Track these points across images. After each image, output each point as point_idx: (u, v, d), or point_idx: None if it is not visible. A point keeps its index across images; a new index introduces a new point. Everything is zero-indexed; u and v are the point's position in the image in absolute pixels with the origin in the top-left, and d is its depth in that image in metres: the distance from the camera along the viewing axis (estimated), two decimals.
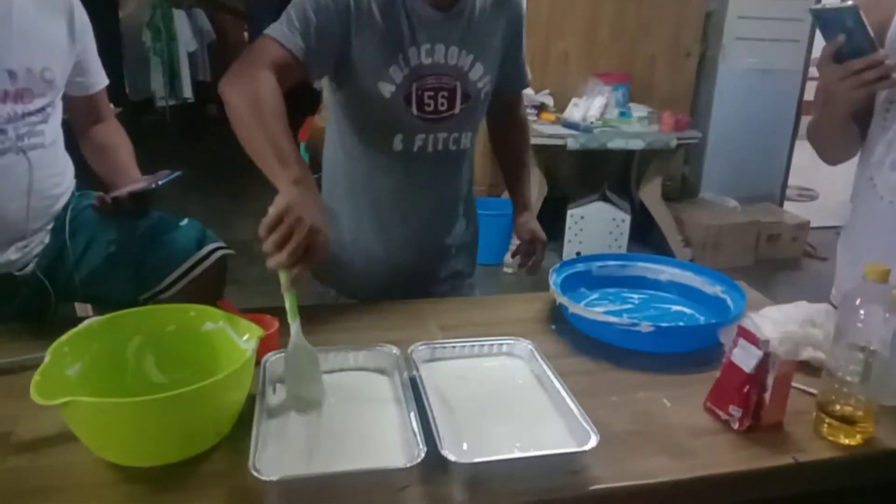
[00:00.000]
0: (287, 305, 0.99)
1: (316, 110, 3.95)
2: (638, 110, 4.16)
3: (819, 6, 1.12)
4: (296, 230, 0.95)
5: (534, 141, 3.79)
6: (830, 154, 1.36)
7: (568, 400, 0.97)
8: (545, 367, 1.06)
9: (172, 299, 1.35)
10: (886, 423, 0.99)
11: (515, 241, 1.66)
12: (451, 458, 0.83)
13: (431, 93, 1.34)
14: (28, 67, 1.25)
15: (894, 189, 1.22)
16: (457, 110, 1.38)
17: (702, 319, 1.32)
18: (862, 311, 0.93)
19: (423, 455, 0.84)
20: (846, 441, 0.96)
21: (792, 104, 4.62)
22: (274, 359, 1.05)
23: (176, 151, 5.75)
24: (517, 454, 0.89)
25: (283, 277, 0.97)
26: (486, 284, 3.99)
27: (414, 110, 1.34)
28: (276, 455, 0.87)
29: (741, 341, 0.98)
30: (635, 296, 1.41)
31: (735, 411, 0.98)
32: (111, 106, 1.59)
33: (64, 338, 0.95)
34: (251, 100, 1.12)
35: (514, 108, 1.64)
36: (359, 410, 0.98)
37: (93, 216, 1.40)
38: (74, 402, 0.81)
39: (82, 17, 1.39)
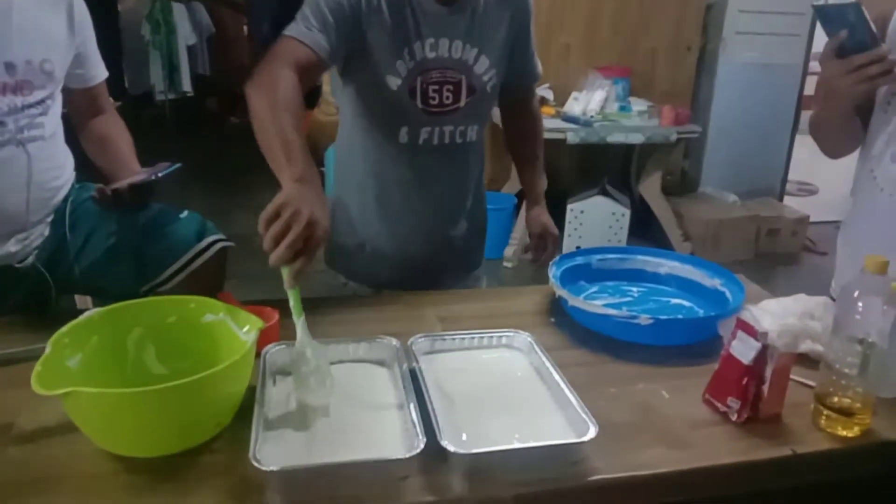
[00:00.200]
0: (291, 303, 0.98)
1: (315, 104, 3.95)
2: (638, 104, 4.15)
3: (821, 2, 1.12)
4: (294, 223, 0.95)
5: None
6: (832, 148, 1.36)
7: (567, 392, 0.97)
8: (544, 359, 1.07)
9: (173, 291, 1.35)
10: (884, 415, 1.00)
11: (515, 235, 1.68)
12: (451, 448, 0.84)
13: (436, 86, 1.36)
14: (28, 59, 1.25)
15: (895, 181, 1.22)
16: (462, 103, 1.39)
17: (701, 312, 1.32)
18: (860, 304, 0.94)
19: (422, 446, 0.84)
20: (844, 433, 0.97)
21: (792, 98, 4.61)
22: (274, 350, 1.05)
23: (175, 145, 5.75)
24: (516, 445, 0.89)
25: (286, 274, 0.96)
26: (486, 277, 3.99)
27: (419, 103, 1.35)
28: (277, 446, 0.87)
29: (740, 333, 0.99)
30: (634, 289, 1.42)
31: (733, 403, 0.98)
32: (111, 99, 1.59)
33: (65, 329, 0.95)
34: (270, 99, 1.14)
35: (526, 101, 1.65)
36: (359, 402, 0.99)
37: (93, 208, 1.40)
38: (75, 393, 0.81)
39: (81, 9, 1.38)
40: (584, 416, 0.91)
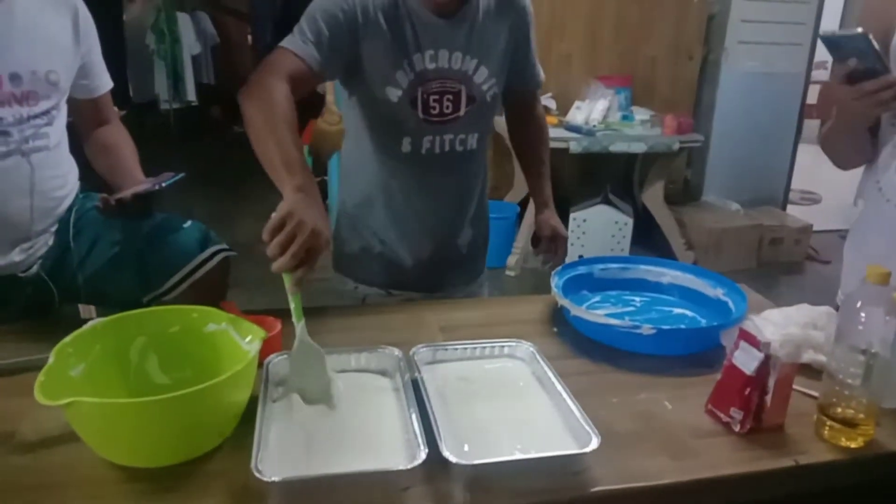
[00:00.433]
0: (292, 307, 1.01)
1: (319, 114, 3.96)
2: (640, 113, 4.16)
3: (829, 33, 1.13)
4: (298, 233, 0.98)
5: None
6: (845, 161, 1.39)
7: (569, 401, 0.97)
8: (546, 368, 1.07)
9: (176, 301, 1.36)
10: (888, 426, 1.00)
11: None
12: (453, 459, 0.84)
13: (437, 96, 1.37)
14: (33, 70, 1.26)
15: None
16: (462, 113, 1.41)
17: (703, 322, 1.32)
18: (863, 314, 0.94)
19: (424, 456, 0.84)
20: (847, 443, 0.96)
21: (795, 107, 4.62)
22: (277, 360, 1.05)
23: (179, 153, 5.77)
24: (518, 455, 0.89)
25: (288, 280, 0.99)
26: (488, 286, 3.98)
27: (420, 113, 1.37)
28: (279, 456, 0.87)
29: (742, 343, 0.99)
30: (637, 298, 1.42)
31: (736, 413, 0.98)
32: (115, 109, 1.60)
33: (68, 339, 0.95)
34: (265, 110, 1.17)
35: (530, 106, 1.66)
36: (360, 412, 0.99)
37: (97, 217, 1.40)
38: (77, 403, 0.81)
39: (86, 19, 1.39)
40: (586, 426, 0.90)
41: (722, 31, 4.41)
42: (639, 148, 3.84)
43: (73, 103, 1.42)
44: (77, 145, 1.48)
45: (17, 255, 1.31)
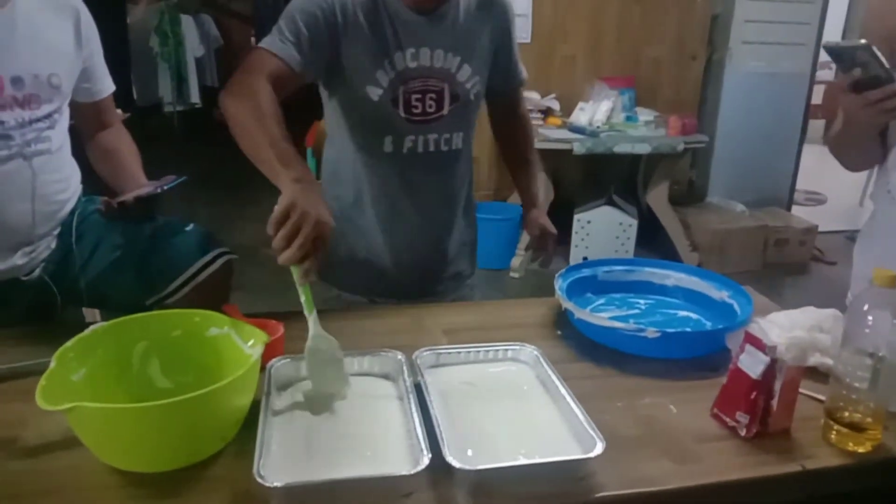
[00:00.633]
0: (302, 299, 1.01)
1: (322, 115, 3.96)
2: (644, 114, 4.15)
3: (833, 43, 1.14)
4: (303, 224, 0.97)
5: (540, 146, 3.78)
6: (853, 164, 1.40)
7: (573, 406, 0.96)
8: (551, 372, 1.06)
9: (178, 304, 1.35)
10: (895, 430, 0.99)
11: (522, 246, 1.67)
12: (456, 464, 0.83)
13: (419, 95, 1.36)
14: (35, 73, 1.26)
15: None
16: (445, 111, 1.40)
17: (708, 325, 1.31)
18: (870, 317, 0.93)
19: (427, 461, 0.83)
20: (855, 448, 0.96)
21: (799, 107, 4.60)
22: (279, 364, 1.05)
23: (183, 156, 5.78)
24: (522, 461, 0.88)
25: (296, 272, 0.99)
26: (491, 289, 3.98)
27: (401, 112, 1.36)
28: (281, 461, 0.87)
29: (748, 347, 0.98)
30: (641, 301, 1.41)
31: (742, 417, 0.97)
32: (119, 111, 1.60)
33: (70, 343, 0.95)
34: (251, 107, 1.16)
35: (514, 105, 1.65)
36: (363, 416, 0.98)
37: (99, 221, 1.40)
38: (79, 408, 0.81)
39: (89, 23, 1.39)
40: (590, 431, 0.90)
41: (726, 31, 4.40)
42: (643, 149, 3.83)
43: (75, 107, 1.42)
44: (79, 149, 1.48)
45: (19, 259, 1.31)
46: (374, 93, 1.34)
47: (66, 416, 0.83)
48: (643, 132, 3.98)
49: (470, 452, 0.90)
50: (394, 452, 0.90)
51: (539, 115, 4.09)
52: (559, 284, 1.33)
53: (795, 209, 4.86)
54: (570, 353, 1.21)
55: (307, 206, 0.99)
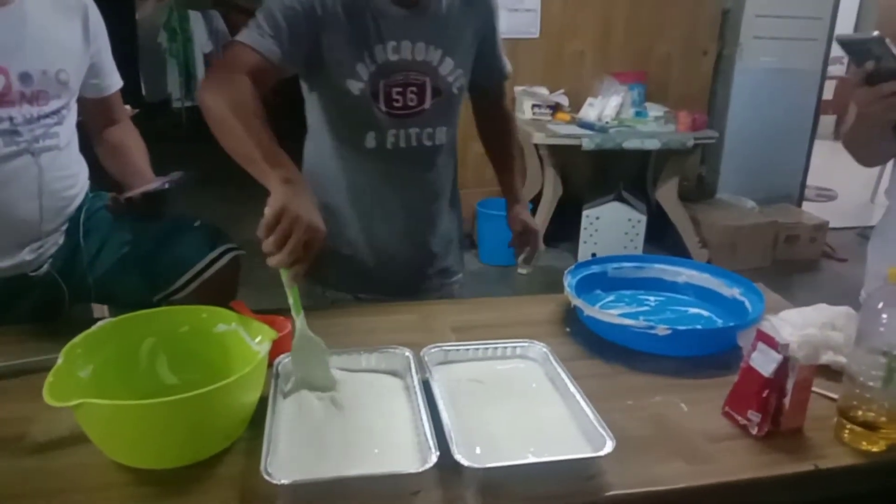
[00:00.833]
0: (290, 301, 1.01)
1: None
2: (654, 110, 4.12)
3: (846, 36, 1.13)
4: (294, 229, 0.97)
5: (549, 141, 3.77)
6: (867, 160, 1.38)
7: (583, 404, 0.95)
8: (560, 370, 1.05)
9: (186, 300, 1.35)
10: None
11: None
12: (465, 462, 0.83)
13: (400, 89, 1.35)
14: (43, 69, 1.26)
15: None
16: (427, 105, 1.38)
17: (719, 322, 1.30)
18: (884, 315, 0.92)
19: (435, 459, 0.83)
20: (868, 447, 0.94)
21: (810, 103, 4.57)
22: (287, 360, 1.04)
23: (191, 152, 5.77)
24: (531, 459, 0.88)
25: (285, 275, 0.99)
26: (500, 285, 3.98)
27: (382, 106, 1.34)
28: (288, 458, 0.86)
29: (760, 345, 0.97)
30: (651, 298, 1.40)
31: (754, 416, 0.96)
32: (127, 108, 1.60)
33: (77, 339, 0.95)
34: (233, 104, 1.14)
35: (497, 100, 1.64)
36: (371, 413, 0.98)
37: (106, 217, 1.40)
38: (86, 405, 0.81)
39: (96, 19, 1.39)
40: (600, 429, 0.89)
41: (737, 26, 4.36)
42: (652, 144, 3.81)
43: (83, 103, 1.42)
44: (87, 145, 1.47)
45: (27, 255, 1.31)
46: (355, 86, 1.31)
47: (74, 413, 0.82)
48: (653, 128, 3.96)
49: (478, 450, 0.89)
50: (402, 450, 0.90)
51: (548, 110, 4.07)
52: (568, 281, 1.32)
53: (806, 205, 4.83)
54: (579, 350, 1.20)
55: (299, 211, 0.98)
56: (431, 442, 0.86)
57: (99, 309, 1.72)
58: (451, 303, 1.45)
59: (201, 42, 6.84)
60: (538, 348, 1.12)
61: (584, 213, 3.99)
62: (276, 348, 1.00)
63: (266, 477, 0.79)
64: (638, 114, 4.07)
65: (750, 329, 1.00)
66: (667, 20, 4.34)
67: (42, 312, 1.36)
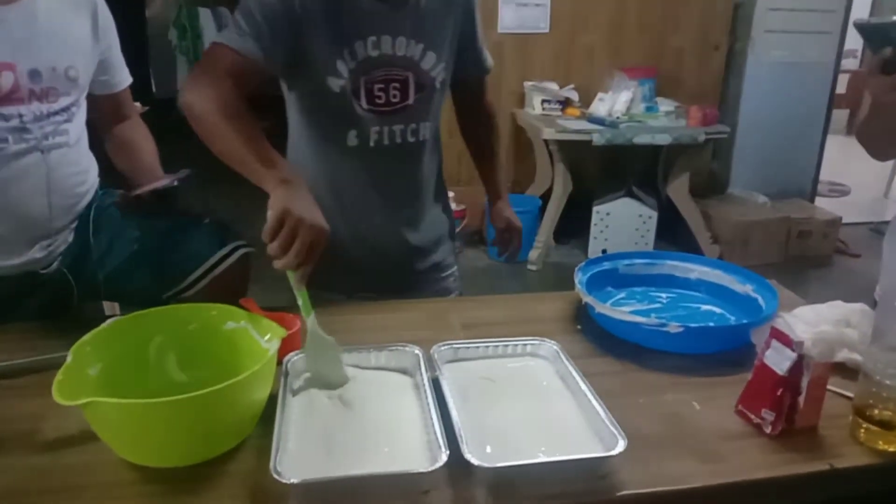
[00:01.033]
0: (300, 303, 1.01)
1: None
2: (665, 105, 4.10)
3: (864, 20, 1.10)
4: (299, 232, 0.97)
5: (559, 137, 3.75)
6: (882, 153, 1.35)
7: (594, 402, 0.94)
8: (571, 368, 1.04)
9: (195, 298, 1.35)
10: None
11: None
12: (475, 461, 0.82)
13: (381, 85, 1.33)
14: (53, 66, 1.26)
15: None
16: (411, 101, 1.37)
17: (732, 319, 1.29)
18: None
19: (445, 458, 0.82)
20: (885, 447, 0.93)
21: (823, 97, 4.52)
22: (296, 358, 1.04)
23: (201, 149, 5.79)
24: (542, 458, 0.87)
25: (292, 277, 0.99)
26: (509, 282, 3.96)
27: (364, 104, 1.33)
28: (298, 457, 0.86)
29: (774, 342, 0.96)
30: (663, 295, 1.39)
31: (767, 415, 0.95)
32: (137, 104, 1.60)
33: (86, 337, 0.95)
34: (219, 106, 1.13)
35: (478, 95, 1.62)
36: (380, 412, 0.97)
37: (116, 214, 1.41)
38: (95, 403, 0.81)
39: (106, 16, 1.39)
40: (612, 428, 0.88)
41: (748, 20, 4.32)
42: (663, 140, 3.78)
43: (92, 99, 1.42)
44: (97, 142, 1.47)
45: (37, 252, 1.31)
46: (335, 83, 1.29)
47: (83, 411, 0.82)
48: (663, 123, 3.93)
49: (489, 449, 0.88)
50: (411, 449, 0.89)
51: (558, 105, 4.05)
52: (579, 278, 1.30)
53: (819, 201, 4.79)
54: (590, 348, 1.19)
55: (301, 212, 0.98)
56: (441, 441, 0.85)
57: (110, 306, 1.73)
58: (460, 300, 1.44)
59: (210, 39, 6.82)
60: (549, 346, 1.11)
61: (595, 208, 3.97)
62: (286, 346, 1.00)
63: (275, 476, 0.79)
64: (649, 109, 4.05)
65: (763, 326, 0.99)
66: (678, 14, 4.31)
67: (51, 310, 1.36)
